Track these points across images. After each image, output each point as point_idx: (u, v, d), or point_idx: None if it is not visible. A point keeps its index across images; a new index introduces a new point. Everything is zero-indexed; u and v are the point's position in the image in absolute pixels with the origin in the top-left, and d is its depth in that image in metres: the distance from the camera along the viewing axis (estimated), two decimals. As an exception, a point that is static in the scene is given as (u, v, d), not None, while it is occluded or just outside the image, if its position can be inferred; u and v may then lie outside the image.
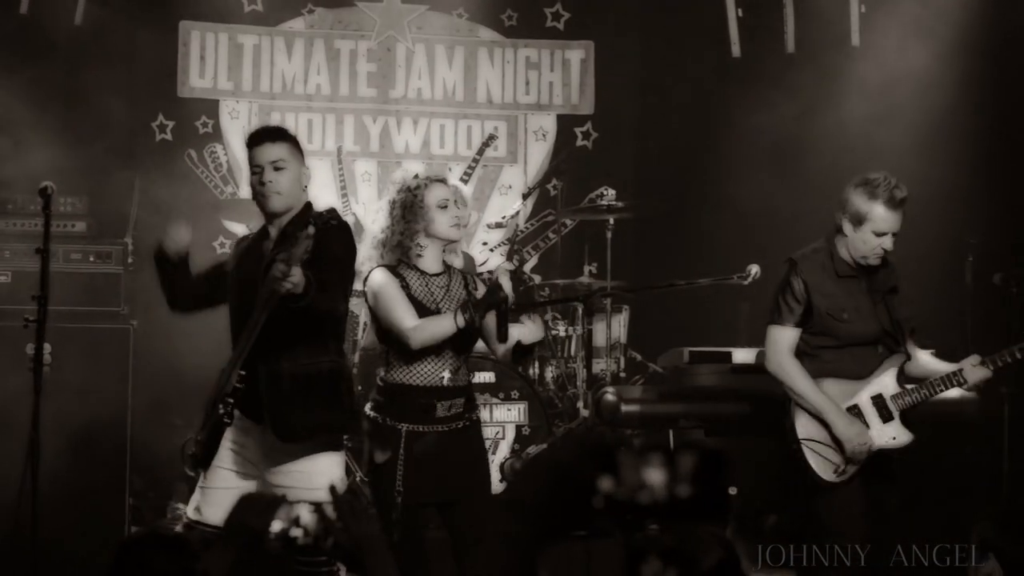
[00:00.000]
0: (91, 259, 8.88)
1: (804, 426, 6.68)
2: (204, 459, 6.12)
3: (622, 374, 9.28)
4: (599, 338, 9.18)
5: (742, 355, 8.51)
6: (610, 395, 8.16)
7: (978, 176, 9.76)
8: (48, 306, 6.36)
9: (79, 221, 9.28)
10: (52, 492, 6.80)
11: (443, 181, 6.61)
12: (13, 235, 9.13)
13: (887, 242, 6.57)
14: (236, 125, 10.88)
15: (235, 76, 10.90)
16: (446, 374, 6.43)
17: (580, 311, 8.83)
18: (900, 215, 6.54)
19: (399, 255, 6.51)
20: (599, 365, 9.19)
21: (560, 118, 11.31)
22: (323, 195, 10.79)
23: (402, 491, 6.28)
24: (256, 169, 6.21)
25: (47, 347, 6.47)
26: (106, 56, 10.17)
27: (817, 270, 6.72)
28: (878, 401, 6.66)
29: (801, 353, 6.74)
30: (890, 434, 6.65)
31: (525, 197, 10.49)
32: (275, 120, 10.84)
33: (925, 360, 6.90)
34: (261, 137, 6.30)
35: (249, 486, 6.07)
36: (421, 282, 6.50)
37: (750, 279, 8.14)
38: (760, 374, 8.30)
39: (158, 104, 10.71)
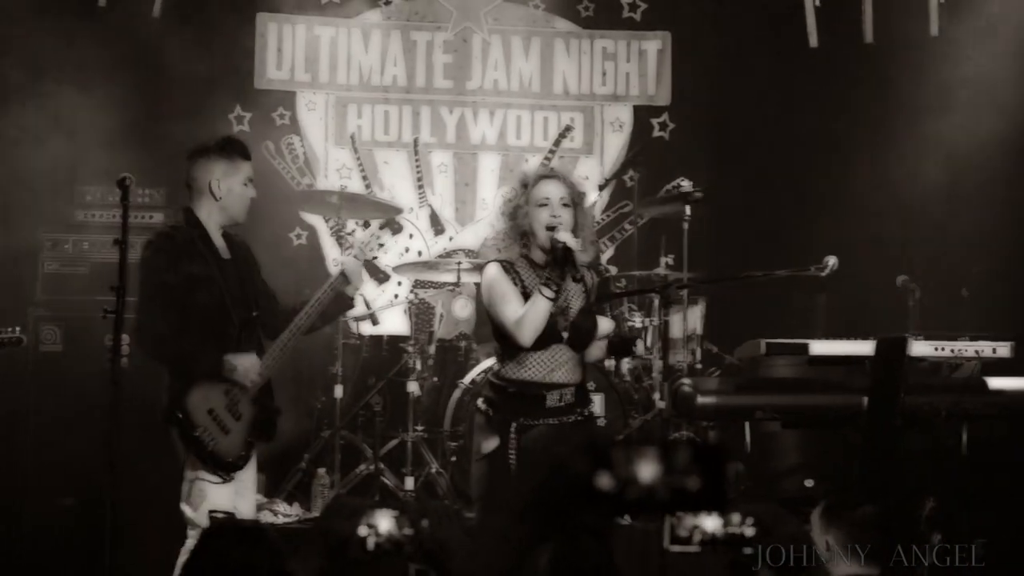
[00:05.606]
0: (169, 250, 8.91)
1: None
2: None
3: (698, 365, 9.26)
4: (675, 330, 9.16)
5: (819, 347, 8.44)
6: (686, 387, 8.13)
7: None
8: (126, 297, 6.37)
9: (157, 212, 9.36)
10: (130, 483, 6.82)
11: (548, 177, 6.55)
12: (92, 227, 9.22)
13: None
14: (313, 117, 10.92)
15: (312, 68, 10.94)
16: (559, 372, 6.44)
17: (657, 302, 8.79)
18: None
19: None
20: (675, 356, 9.16)
21: (636, 109, 11.27)
22: (400, 186, 10.82)
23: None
24: (247, 182, 6.72)
25: (125, 338, 6.47)
26: (184, 48, 10.21)
27: None
28: None
29: None
30: None
31: (601, 188, 10.44)
32: (352, 112, 10.90)
33: None
34: (247, 150, 6.77)
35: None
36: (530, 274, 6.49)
37: (827, 271, 8.07)
38: (838, 366, 8.24)
39: (235, 96, 10.77)
